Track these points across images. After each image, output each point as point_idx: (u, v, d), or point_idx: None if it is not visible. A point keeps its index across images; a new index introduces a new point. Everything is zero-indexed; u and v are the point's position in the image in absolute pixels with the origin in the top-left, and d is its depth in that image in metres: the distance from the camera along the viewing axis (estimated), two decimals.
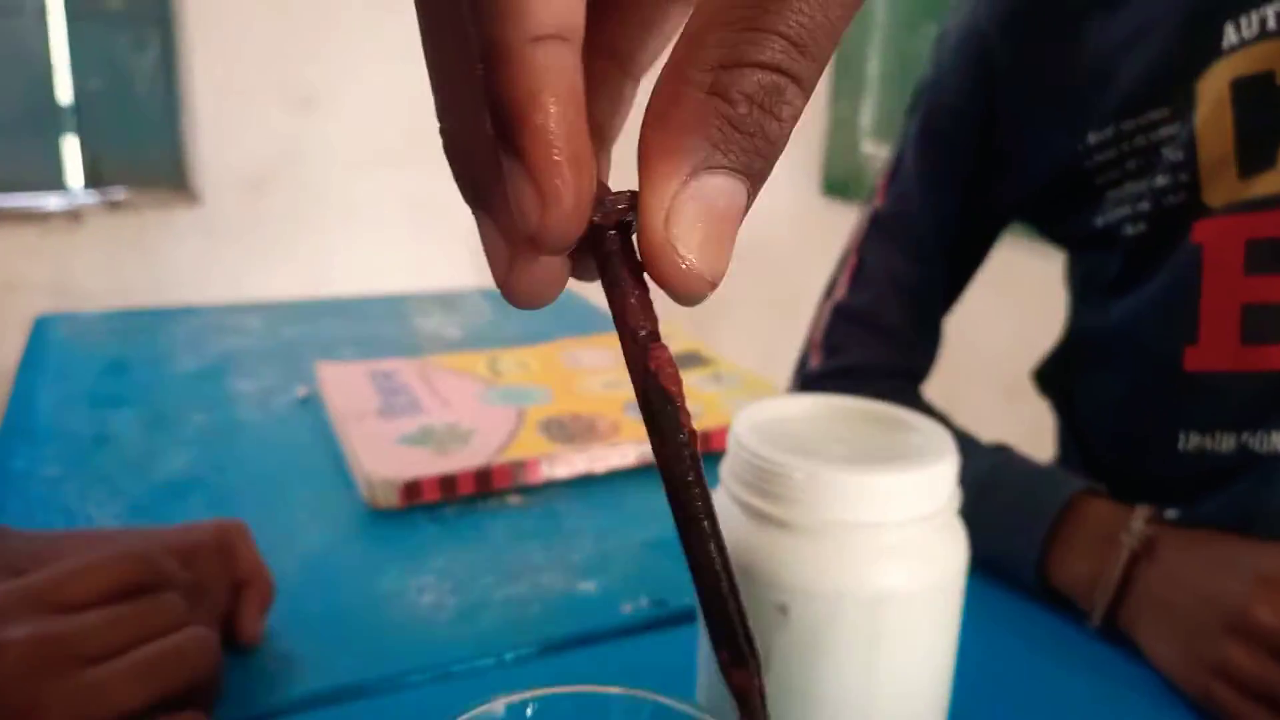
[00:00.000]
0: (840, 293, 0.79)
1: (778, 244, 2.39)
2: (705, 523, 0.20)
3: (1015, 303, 2.04)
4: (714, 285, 0.18)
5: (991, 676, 0.52)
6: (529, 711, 0.28)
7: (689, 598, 0.57)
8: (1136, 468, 0.67)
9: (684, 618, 0.56)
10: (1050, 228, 0.74)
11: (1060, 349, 0.78)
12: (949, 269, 0.78)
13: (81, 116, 3.23)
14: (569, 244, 0.18)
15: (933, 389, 0.78)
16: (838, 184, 2.42)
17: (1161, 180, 0.61)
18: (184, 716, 0.40)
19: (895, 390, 0.70)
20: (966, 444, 0.65)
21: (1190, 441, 0.62)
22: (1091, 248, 0.70)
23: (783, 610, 0.41)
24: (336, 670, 0.50)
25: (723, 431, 0.78)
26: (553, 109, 0.17)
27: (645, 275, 0.19)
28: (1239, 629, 0.48)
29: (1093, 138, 0.65)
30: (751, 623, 0.41)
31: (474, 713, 0.27)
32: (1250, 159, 0.57)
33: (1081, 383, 0.74)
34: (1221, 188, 0.58)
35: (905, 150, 0.77)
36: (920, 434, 0.45)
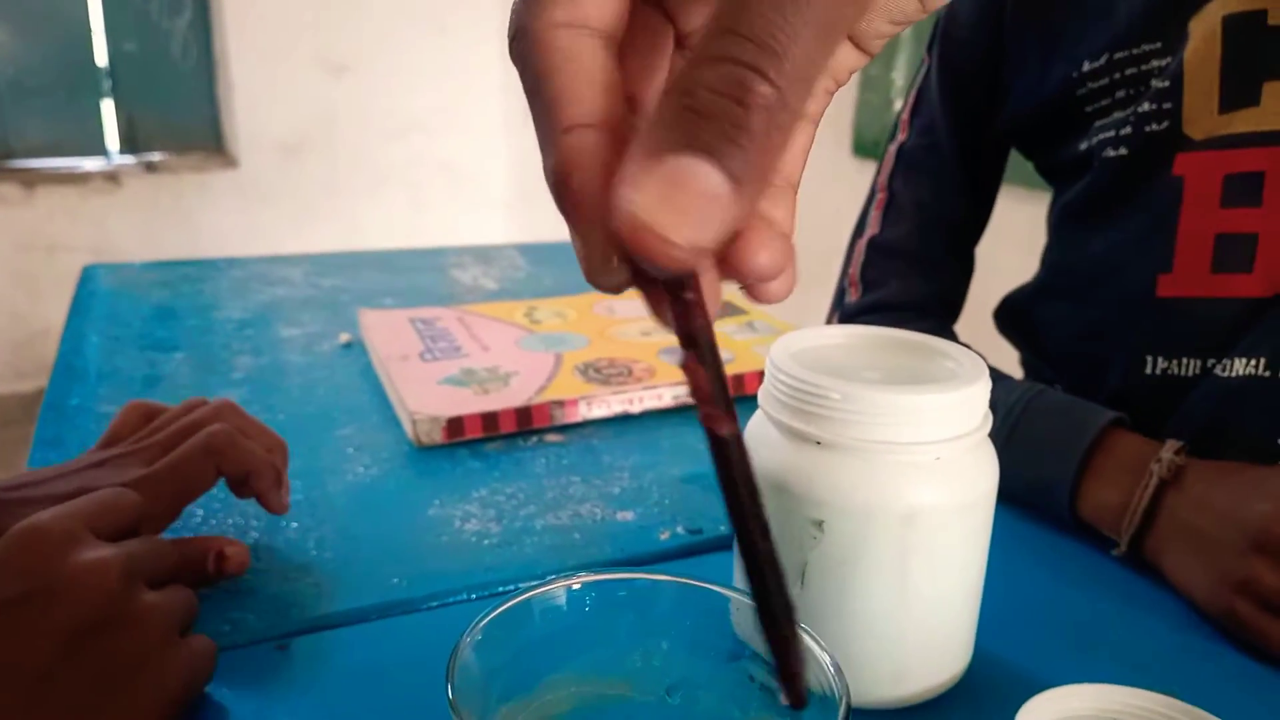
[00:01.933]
0: (873, 228, 0.80)
1: (809, 204, 2.39)
2: (742, 482, 0.22)
3: (1037, 256, 2.03)
4: (682, 251, 0.19)
5: (1019, 602, 0.54)
6: (583, 591, 0.30)
7: (723, 526, 0.59)
8: (1099, 391, 0.69)
9: (719, 544, 0.58)
10: (1038, 157, 0.76)
11: (1028, 288, 0.79)
12: (975, 198, 0.80)
13: (117, 80, 3.27)
14: (612, 286, 0.22)
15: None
16: (869, 144, 2.41)
17: (1146, 106, 0.63)
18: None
19: (931, 331, 0.72)
20: (1000, 380, 0.66)
21: (1157, 365, 0.65)
22: (1074, 174, 0.71)
23: (818, 526, 0.42)
24: (385, 588, 0.53)
25: (755, 375, 0.80)
26: (575, 185, 0.20)
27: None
28: (1263, 546, 0.49)
29: (1086, 65, 0.66)
30: (788, 539, 0.43)
31: (536, 592, 0.29)
32: (1232, 95, 0.59)
33: (1050, 315, 0.75)
34: (1203, 121, 0.60)
35: (927, 85, 0.79)
36: (953, 360, 0.46)
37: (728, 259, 0.22)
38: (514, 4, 0.22)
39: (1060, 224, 0.74)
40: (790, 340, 0.47)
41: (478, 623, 0.28)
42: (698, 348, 0.21)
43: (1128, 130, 0.64)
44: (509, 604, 0.29)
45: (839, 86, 0.25)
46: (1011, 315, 0.80)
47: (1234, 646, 0.51)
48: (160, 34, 3.28)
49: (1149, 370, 0.65)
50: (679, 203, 0.18)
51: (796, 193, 0.25)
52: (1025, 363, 0.82)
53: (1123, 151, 0.64)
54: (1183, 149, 0.61)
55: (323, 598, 0.52)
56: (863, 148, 2.44)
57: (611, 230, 0.19)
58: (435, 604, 0.52)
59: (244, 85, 3.30)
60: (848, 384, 0.42)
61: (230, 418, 0.54)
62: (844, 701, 0.25)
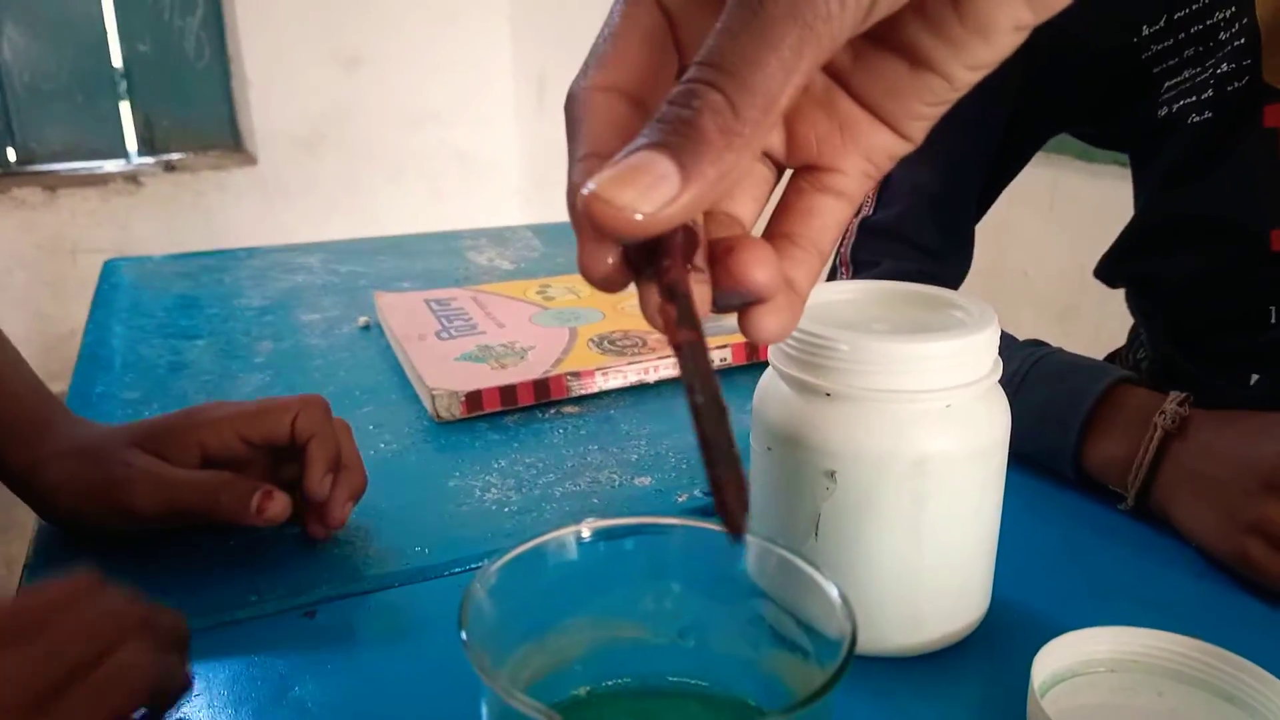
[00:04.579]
0: (867, 208, 0.79)
1: None
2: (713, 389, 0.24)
3: (1067, 228, 2.01)
4: (628, 215, 0.22)
5: (1035, 553, 0.54)
6: (595, 538, 0.30)
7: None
8: (1223, 342, 0.68)
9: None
10: (1111, 127, 0.74)
11: (1127, 239, 0.77)
12: (982, 177, 0.78)
13: (133, 81, 3.29)
14: (601, 275, 0.24)
15: None
16: None
17: (1225, 67, 0.61)
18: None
19: None
20: (1005, 340, 0.66)
21: None
22: (1154, 139, 0.70)
23: (830, 476, 0.43)
24: (409, 555, 0.54)
25: (753, 347, 0.80)
26: (579, 203, 0.23)
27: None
28: (1274, 485, 0.49)
29: (1146, 29, 0.65)
30: (801, 490, 0.43)
31: (547, 538, 0.29)
32: None
33: (1163, 264, 0.73)
34: None
35: None
36: (962, 310, 0.46)
37: (729, 268, 0.24)
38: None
39: (1156, 188, 0.72)
40: None
41: (489, 567, 0.28)
42: (675, 295, 0.23)
43: (1209, 94, 0.62)
44: (520, 549, 0.29)
45: (880, 172, 0.27)
46: (1115, 270, 0.77)
47: (1247, 590, 0.51)
48: (173, 33, 3.30)
49: (1274, 319, 0.64)
50: (630, 181, 0.22)
51: (825, 262, 0.27)
52: (1136, 310, 0.80)
53: (1208, 115, 0.63)
54: (1270, 100, 0.60)
55: (347, 567, 0.53)
56: None
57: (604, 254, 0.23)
58: (458, 570, 0.53)
59: (259, 82, 3.32)
60: (855, 335, 0.42)
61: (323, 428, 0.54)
62: (850, 631, 0.25)
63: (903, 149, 0.26)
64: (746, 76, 0.21)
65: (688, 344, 0.23)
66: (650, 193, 0.22)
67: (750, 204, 0.27)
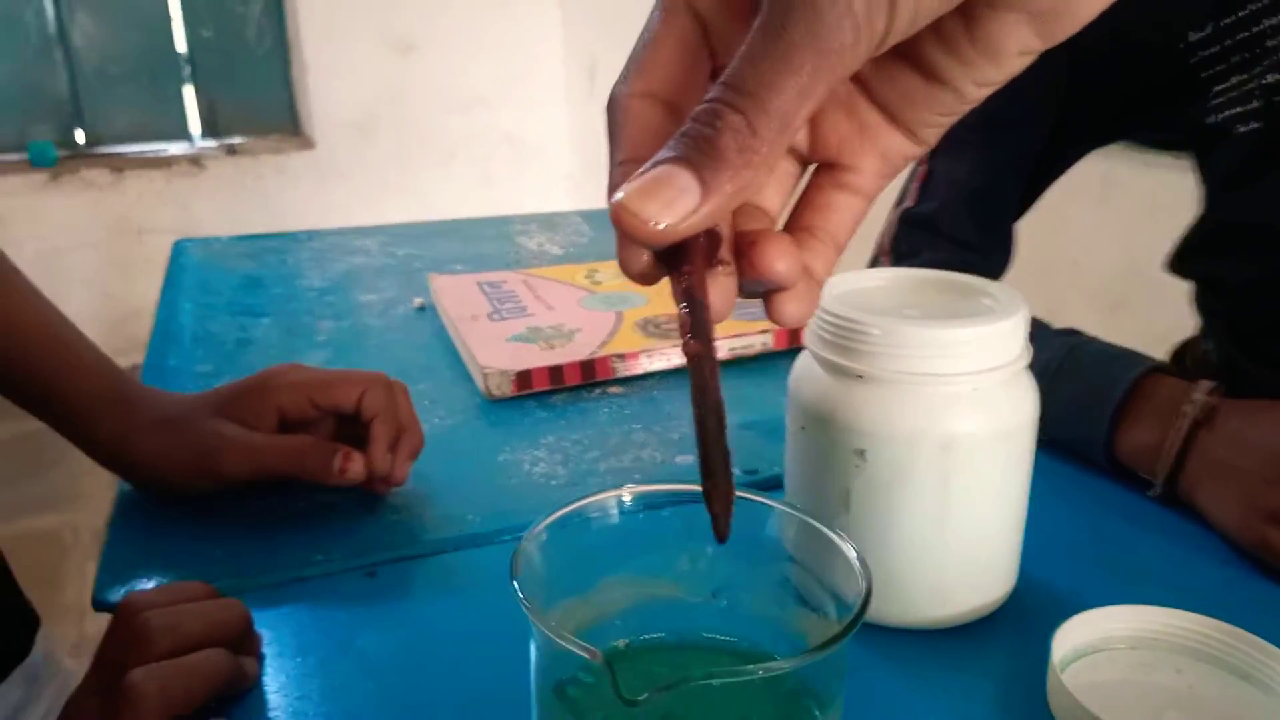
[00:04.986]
0: (909, 201, 0.81)
1: None
2: (714, 384, 0.26)
3: (1118, 219, 1.99)
4: (652, 227, 0.24)
5: (1062, 537, 0.56)
6: (632, 503, 0.33)
7: (777, 467, 0.62)
8: (1277, 346, 0.68)
9: (772, 483, 0.61)
10: (1160, 132, 0.74)
11: (1197, 233, 0.77)
12: (1023, 178, 0.79)
13: (196, 66, 3.38)
14: (637, 272, 0.27)
15: (1034, 306, 0.79)
16: None
17: (1271, 77, 0.61)
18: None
19: None
20: (1040, 328, 0.67)
21: None
22: (1205, 145, 0.70)
23: (860, 455, 0.45)
24: (461, 523, 0.57)
25: (794, 332, 0.82)
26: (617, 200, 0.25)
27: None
28: None
29: (1192, 36, 0.65)
30: (833, 468, 0.46)
31: (591, 500, 0.32)
32: None
33: (1225, 265, 0.74)
34: None
35: None
36: (992, 298, 0.48)
37: (751, 261, 0.26)
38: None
39: (1211, 189, 0.72)
40: (834, 283, 0.50)
41: (539, 525, 0.31)
42: (691, 304, 0.26)
43: (1255, 105, 0.63)
44: (567, 510, 0.32)
45: (894, 170, 0.29)
46: (1187, 264, 0.78)
47: (1270, 576, 0.52)
48: (235, 19, 3.38)
49: None
50: (653, 194, 0.24)
51: (840, 253, 0.29)
52: (1203, 307, 0.80)
53: (1255, 126, 0.63)
54: None
55: (405, 531, 0.56)
56: None
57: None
58: (507, 538, 0.56)
59: (316, 67, 3.39)
60: (887, 320, 0.44)
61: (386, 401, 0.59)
62: (865, 587, 0.28)
63: (916, 151, 0.28)
64: (765, 99, 0.23)
65: (694, 357, 0.26)
66: (672, 205, 0.24)
67: (776, 197, 0.29)
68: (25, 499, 2.39)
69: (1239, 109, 0.64)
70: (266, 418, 0.57)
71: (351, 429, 0.59)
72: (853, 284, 0.50)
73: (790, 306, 0.27)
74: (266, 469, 0.56)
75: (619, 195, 0.24)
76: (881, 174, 0.28)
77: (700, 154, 0.24)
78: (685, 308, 0.26)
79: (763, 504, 0.33)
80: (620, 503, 0.33)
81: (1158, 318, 1.04)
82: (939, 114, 0.27)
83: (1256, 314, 0.71)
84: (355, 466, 0.55)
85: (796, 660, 0.26)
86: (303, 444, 0.56)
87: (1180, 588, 0.51)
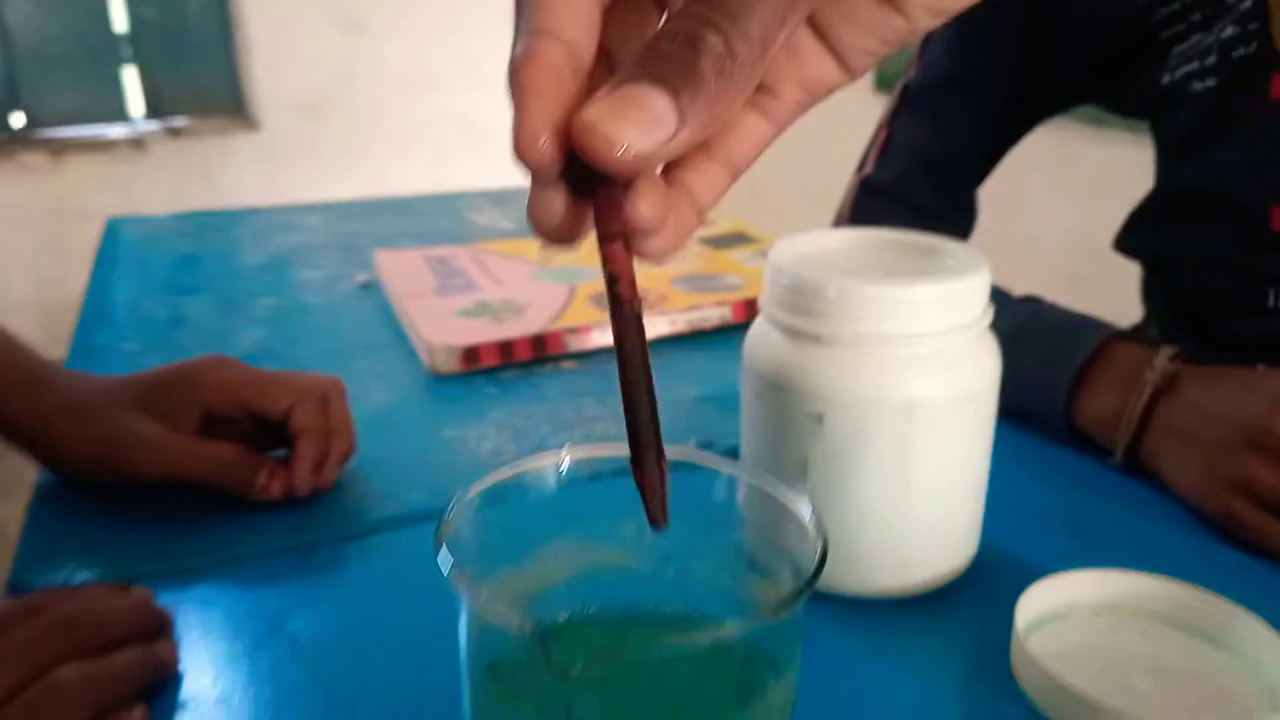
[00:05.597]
0: (869, 167, 0.79)
1: (826, 139, 2.36)
2: (636, 350, 0.24)
3: (1074, 193, 2.00)
4: (620, 153, 0.22)
5: (1024, 505, 0.54)
6: (573, 466, 0.31)
7: (734, 439, 0.60)
8: (1226, 326, 0.67)
9: (729, 455, 0.59)
10: (1116, 94, 0.73)
11: (1146, 207, 0.76)
12: (982, 142, 0.77)
13: (138, 46, 3.28)
14: (537, 159, 0.23)
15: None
16: (892, 79, 2.38)
17: (1230, 30, 0.60)
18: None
19: None
20: (999, 296, 0.66)
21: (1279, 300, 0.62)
22: (1160, 108, 0.68)
23: (818, 420, 0.43)
24: (403, 501, 0.54)
25: (752, 303, 0.80)
26: (523, 77, 0.23)
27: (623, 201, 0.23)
28: (1259, 444, 0.49)
29: None
30: (789, 435, 0.44)
31: (526, 464, 0.30)
32: None
33: (1170, 240, 0.73)
34: None
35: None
36: (953, 256, 0.46)
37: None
38: None
39: (1163, 157, 0.71)
40: (790, 243, 0.48)
41: (469, 490, 0.29)
42: (620, 239, 0.24)
43: (1213, 60, 0.61)
44: (502, 473, 0.30)
45: (812, 100, 0.27)
46: (1132, 242, 0.77)
47: (1233, 544, 0.51)
48: None
49: (1271, 304, 0.62)
50: (627, 116, 0.22)
51: (733, 179, 0.27)
52: (1149, 291, 0.79)
53: (1210, 83, 0.61)
54: (1277, 68, 0.58)
55: (343, 511, 0.53)
56: (886, 82, 2.41)
57: (552, 121, 0.22)
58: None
59: (262, 46, 3.30)
60: (843, 279, 0.42)
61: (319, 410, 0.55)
62: (821, 547, 0.26)
63: (840, 81, 0.26)
64: (745, 22, 0.22)
65: (622, 312, 0.24)
66: (648, 131, 0.22)
67: None
68: None
69: (1195, 64, 0.62)
70: (189, 416, 0.54)
71: (274, 428, 0.55)
72: (809, 245, 0.48)
73: (652, 241, 0.25)
74: (183, 474, 0.52)
75: (586, 114, 0.22)
76: (799, 103, 0.26)
77: (678, 77, 0.22)
78: (614, 241, 0.24)
79: (711, 468, 0.31)
80: (559, 466, 0.31)
81: (1115, 293, 1.04)
82: (881, 40, 0.25)
83: (1202, 291, 0.70)
84: (277, 485, 0.52)
85: (746, 624, 0.24)
86: (226, 455, 0.52)
87: (1144, 553, 0.50)
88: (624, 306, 0.24)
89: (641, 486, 0.25)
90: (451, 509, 0.28)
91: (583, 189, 0.24)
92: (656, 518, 0.25)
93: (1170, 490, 0.55)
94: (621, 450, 0.32)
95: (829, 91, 0.27)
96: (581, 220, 0.25)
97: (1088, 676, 0.39)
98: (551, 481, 0.30)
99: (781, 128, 0.27)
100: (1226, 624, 0.43)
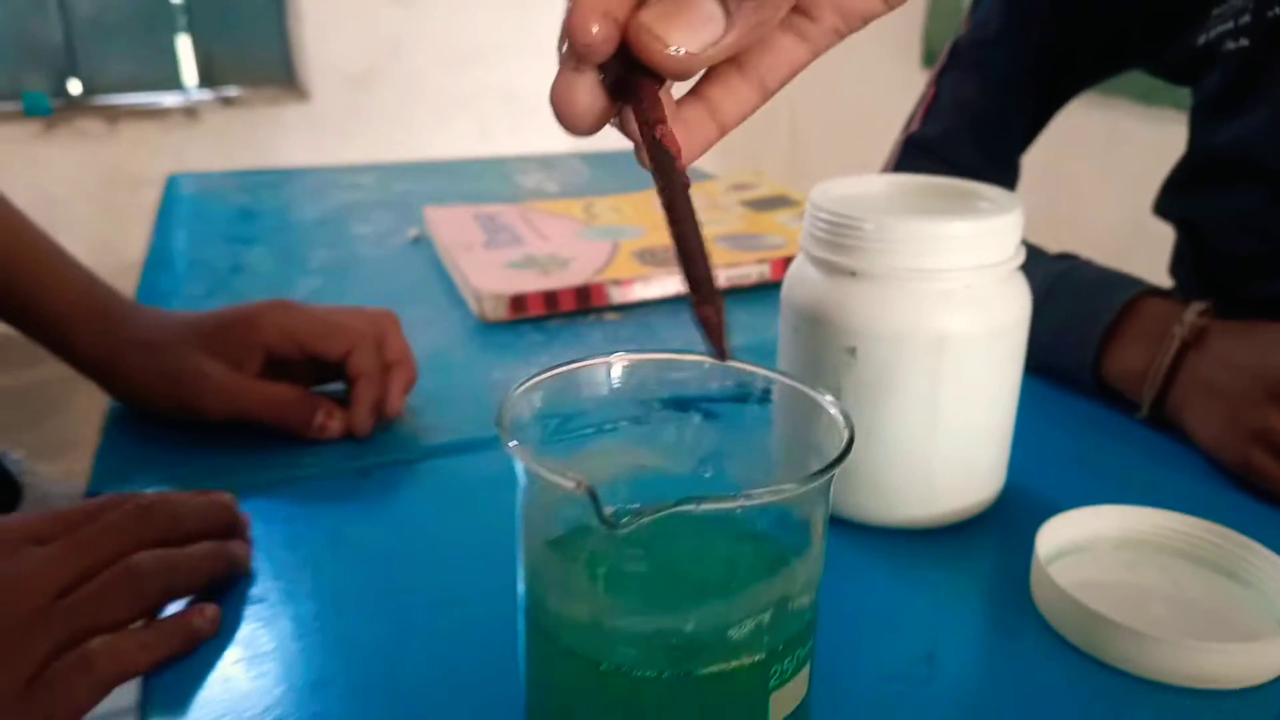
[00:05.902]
0: (914, 124, 0.80)
1: (875, 115, 2.36)
2: (688, 208, 0.26)
3: (1122, 172, 1.98)
4: (677, 52, 0.24)
5: (1050, 450, 0.56)
6: (622, 370, 0.33)
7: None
8: (1258, 290, 0.68)
9: (762, 398, 0.61)
10: (1159, 56, 0.73)
11: (1180, 170, 0.76)
12: (1029, 101, 0.77)
13: (192, 16, 3.34)
14: (587, 47, 0.24)
15: None
16: (938, 54, 2.36)
17: None
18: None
19: None
20: (1034, 252, 0.67)
21: None
22: (1197, 72, 0.69)
23: (851, 352, 0.45)
24: (453, 430, 0.57)
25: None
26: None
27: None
28: (1278, 395, 0.50)
29: None
30: (823, 366, 0.46)
31: (579, 365, 0.32)
32: None
33: (1203, 202, 0.73)
34: None
35: None
36: (987, 200, 0.48)
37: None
38: None
39: (1196, 117, 0.71)
40: (830, 185, 0.49)
41: (528, 380, 0.31)
42: (656, 136, 0.26)
43: (1246, 19, 0.61)
44: (556, 370, 0.32)
45: (848, 29, 0.28)
46: (1169, 205, 0.76)
47: (1253, 494, 0.52)
48: None
49: None
50: (679, 18, 0.24)
51: (761, 99, 0.28)
52: (1177, 263, 0.79)
53: (1243, 43, 0.61)
54: None
55: (398, 438, 0.56)
56: (932, 57, 2.39)
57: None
58: (499, 447, 0.56)
59: (313, 18, 3.35)
60: (880, 215, 0.44)
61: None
62: (848, 438, 0.28)
63: (879, 10, 0.27)
64: None
65: (673, 200, 0.26)
66: (699, 32, 0.24)
67: None
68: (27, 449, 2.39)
69: (1230, 24, 0.62)
70: (252, 358, 0.56)
71: (335, 368, 0.58)
72: (849, 188, 0.50)
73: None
74: (245, 414, 0.55)
75: (642, 17, 0.24)
76: (836, 30, 0.28)
77: None
78: (650, 142, 0.26)
79: (746, 370, 0.33)
80: (607, 369, 0.33)
81: (1160, 272, 1.04)
82: None
83: (1232, 256, 0.70)
84: (334, 425, 0.55)
85: (776, 493, 0.26)
86: (286, 396, 0.55)
87: (1163, 498, 0.51)
88: (675, 174, 0.26)
89: (704, 321, 0.26)
90: (511, 394, 0.30)
91: (617, 84, 0.25)
92: (719, 348, 0.27)
93: (1193, 442, 0.56)
94: (665, 356, 0.34)
95: (864, 21, 0.28)
96: (601, 112, 0.26)
97: (1106, 604, 0.41)
98: (601, 382, 0.33)
99: (815, 53, 0.28)
100: (1244, 558, 0.44)
